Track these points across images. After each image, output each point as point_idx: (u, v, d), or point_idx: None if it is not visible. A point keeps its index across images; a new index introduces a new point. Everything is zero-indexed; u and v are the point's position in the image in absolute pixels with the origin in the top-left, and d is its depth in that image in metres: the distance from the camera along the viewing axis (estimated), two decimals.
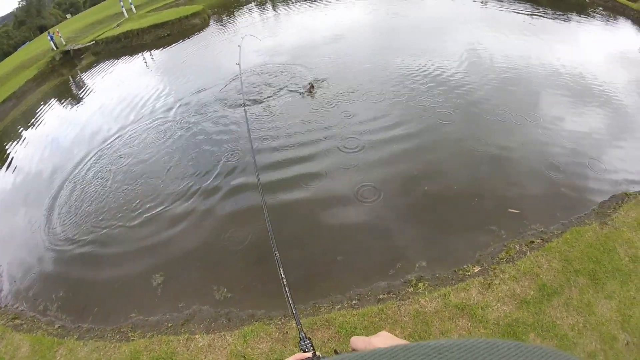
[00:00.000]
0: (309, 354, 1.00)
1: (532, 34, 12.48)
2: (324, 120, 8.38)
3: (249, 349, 4.10)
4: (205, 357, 4.24)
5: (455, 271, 4.62)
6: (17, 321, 6.38)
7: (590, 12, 15.02)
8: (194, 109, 10.74)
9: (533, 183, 5.96)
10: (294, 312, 1.51)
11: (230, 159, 7.79)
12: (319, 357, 0.95)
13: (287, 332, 4.15)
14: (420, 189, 6.12)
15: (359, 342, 0.86)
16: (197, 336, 4.49)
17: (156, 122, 10.66)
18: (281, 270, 1.72)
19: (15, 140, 14.18)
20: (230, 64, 11.16)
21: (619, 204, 5.27)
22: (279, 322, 4.28)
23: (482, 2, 17.34)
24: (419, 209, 5.82)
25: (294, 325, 4.13)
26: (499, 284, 4.34)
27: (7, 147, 13.74)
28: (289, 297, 1.59)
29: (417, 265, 4.79)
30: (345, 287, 4.68)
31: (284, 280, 1.69)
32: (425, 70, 10.03)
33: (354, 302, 4.39)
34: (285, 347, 4.03)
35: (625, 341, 3.73)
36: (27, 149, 12.83)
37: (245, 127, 8.24)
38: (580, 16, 14.48)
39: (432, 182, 6.23)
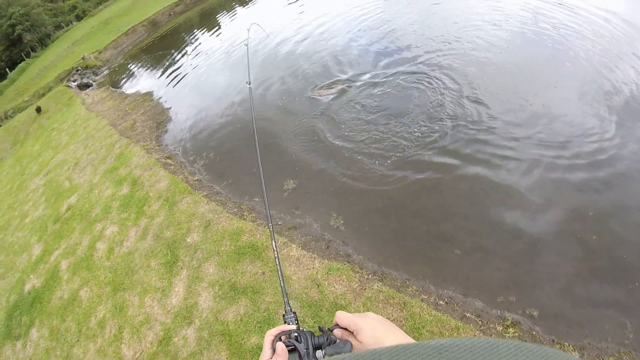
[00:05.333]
0: (293, 326, 1.12)
1: None
2: None
3: (326, 282, 4.57)
4: (288, 266, 4.90)
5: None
6: (169, 161, 7.94)
7: None
8: None
9: None
10: (282, 286, 1.64)
11: None
12: (302, 330, 1.05)
13: (365, 289, 4.42)
14: None
15: (344, 318, 0.96)
16: (293, 246, 5.16)
17: None
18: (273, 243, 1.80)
19: None
20: None
21: None
22: (365, 277, 4.58)
23: None
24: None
25: (376, 286, 4.40)
26: None
27: None
28: (277, 257, 1.76)
29: (527, 310, 4.05)
30: (444, 282, 4.48)
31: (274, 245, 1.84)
32: None
33: (440, 302, 4.26)
34: (355, 300, 4.35)
35: None
36: None
37: None
38: None
39: None
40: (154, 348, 4.84)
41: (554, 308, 4.05)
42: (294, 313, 1.28)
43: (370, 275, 4.62)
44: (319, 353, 0.98)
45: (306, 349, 0.98)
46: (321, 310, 4.35)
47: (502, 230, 4.83)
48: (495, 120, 6.14)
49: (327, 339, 0.98)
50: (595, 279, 4.15)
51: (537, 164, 5.38)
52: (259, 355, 3.25)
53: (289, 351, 0.97)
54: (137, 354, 4.90)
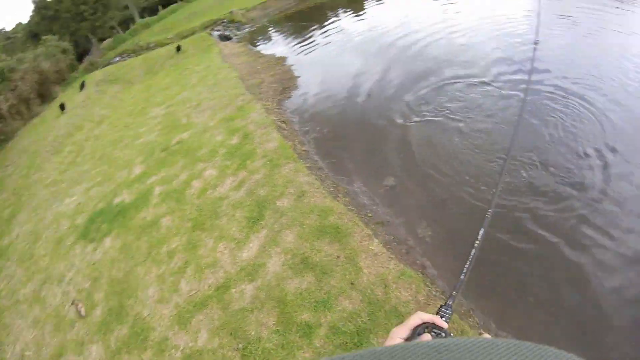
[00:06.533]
0: (445, 325, 0.99)
1: None
2: None
3: (394, 285, 4.41)
4: (364, 258, 4.77)
5: None
6: (284, 125, 8.11)
7: None
8: None
9: None
10: (462, 277, 1.44)
11: None
12: (448, 333, 0.97)
13: (429, 304, 4.22)
14: None
15: None
16: (375, 240, 5.00)
17: None
18: (481, 233, 1.61)
19: None
20: None
21: None
22: (433, 292, 4.37)
23: None
24: None
25: (439, 303, 4.18)
26: None
27: None
28: (473, 255, 1.52)
29: None
30: (507, 325, 4.20)
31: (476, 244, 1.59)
32: None
33: None
34: (415, 311, 4.22)
35: None
36: None
37: None
38: None
39: None
40: (210, 291, 4.95)
41: None
42: (452, 312, 1.18)
43: (439, 293, 4.41)
44: None
45: None
46: (380, 310, 4.21)
47: (583, 290, 4.34)
48: None
49: None
50: None
51: None
52: (304, 332, 3.15)
53: None
54: (193, 292, 5.04)
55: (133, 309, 5.22)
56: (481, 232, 1.61)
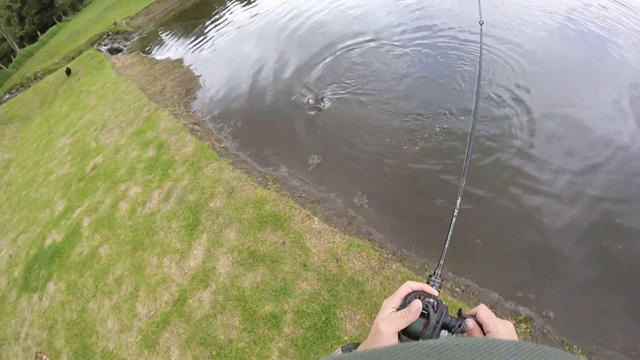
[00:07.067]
0: (436, 292, 1.02)
1: None
2: None
3: (345, 257, 4.61)
4: (309, 238, 4.96)
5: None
6: (196, 127, 8.06)
7: None
8: None
9: None
10: (445, 246, 1.43)
11: None
12: (442, 302, 0.97)
13: (383, 268, 4.44)
14: None
15: (487, 314, 0.93)
16: (315, 219, 5.20)
17: None
18: (458, 200, 1.60)
19: None
20: None
21: None
22: (385, 256, 4.59)
23: None
24: None
25: (394, 266, 4.42)
26: None
27: None
28: (450, 230, 1.51)
29: (541, 309, 4.10)
30: (462, 270, 4.44)
31: (456, 208, 1.59)
32: None
33: (457, 290, 4.28)
34: (373, 277, 4.38)
35: None
36: None
37: None
38: None
39: None
40: (169, 308, 4.96)
41: (568, 310, 4.07)
42: (442, 280, 1.19)
43: (390, 255, 4.65)
44: (443, 332, 0.93)
45: (437, 322, 0.92)
46: (338, 284, 4.40)
47: (527, 226, 4.80)
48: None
49: (459, 325, 0.93)
50: (613, 288, 4.13)
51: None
52: (271, 323, 3.28)
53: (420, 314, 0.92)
54: (152, 312, 5.03)
55: (98, 346, 5.14)
56: (458, 200, 1.62)
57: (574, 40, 7.41)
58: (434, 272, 1.20)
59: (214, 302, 4.76)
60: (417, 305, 0.91)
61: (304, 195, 5.70)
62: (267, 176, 6.20)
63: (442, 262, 1.32)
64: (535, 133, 5.66)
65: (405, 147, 5.97)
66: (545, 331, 3.84)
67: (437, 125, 6.11)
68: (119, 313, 5.29)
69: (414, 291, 0.98)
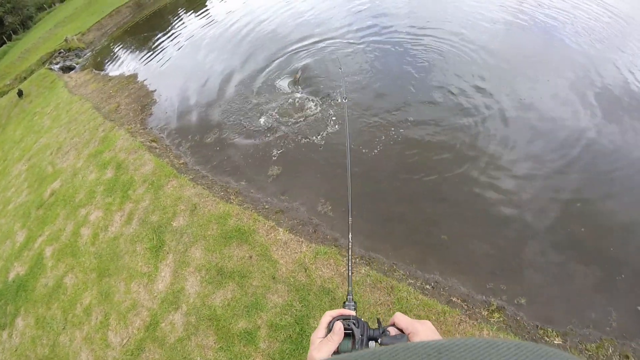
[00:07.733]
0: (353, 313, 1.10)
1: None
2: None
3: (313, 266, 4.63)
4: (275, 250, 4.95)
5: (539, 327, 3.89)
6: (154, 144, 7.92)
7: None
8: None
9: None
10: (349, 274, 1.52)
11: None
12: (360, 319, 1.05)
13: (353, 272, 4.46)
14: None
15: (403, 320, 0.98)
16: (280, 230, 5.19)
17: None
18: (350, 235, 1.75)
19: None
20: None
21: None
22: (353, 260, 4.62)
23: None
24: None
25: (363, 270, 4.47)
26: None
27: None
28: (349, 257, 1.63)
29: (512, 296, 4.14)
30: (431, 267, 4.56)
31: (350, 242, 1.75)
32: None
33: (427, 287, 4.35)
34: (343, 284, 4.42)
35: None
36: None
37: None
38: None
39: None
40: (141, 334, 4.86)
41: (539, 296, 4.15)
42: (355, 302, 1.27)
43: (357, 259, 4.67)
44: (371, 344, 0.99)
45: (361, 335, 0.99)
46: (309, 294, 4.41)
47: (490, 217, 4.92)
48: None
49: (383, 332, 0.99)
50: (580, 269, 4.24)
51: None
52: (246, 340, 3.27)
53: (345, 334, 0.99)
54: (125, 340, 4.93)
55: None
56: (350, 235, 1.76)
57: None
58: (347, 298, 1.29)
59: (186, 323, 4.70)
60: (338, 325, 1.00)
61: (267, 206, 5.68)
62: (228, 190, 6.16)
63: (350, 288, 1.40)
64: (491, 124, 5.90)
65: (364, 150, 6.05)
66: (518, 318, 3.92)
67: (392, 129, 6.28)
68: (92, 344, 5.16)
69: (333, 318, 1.05)
